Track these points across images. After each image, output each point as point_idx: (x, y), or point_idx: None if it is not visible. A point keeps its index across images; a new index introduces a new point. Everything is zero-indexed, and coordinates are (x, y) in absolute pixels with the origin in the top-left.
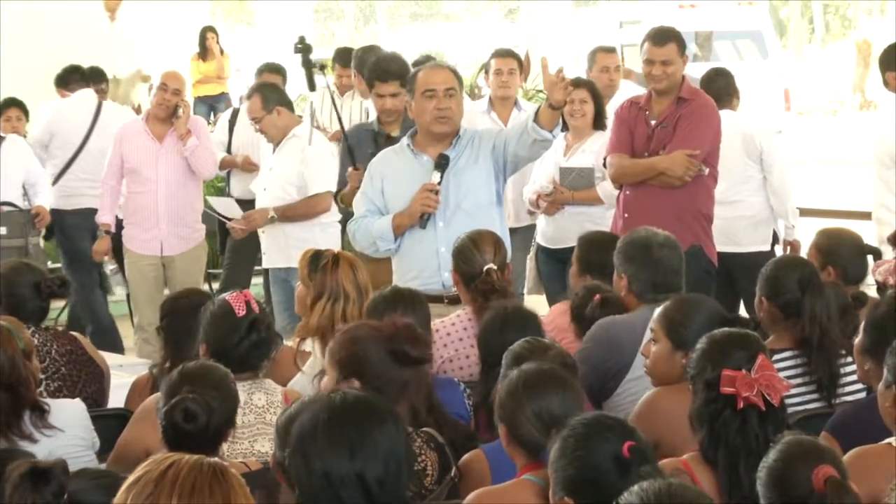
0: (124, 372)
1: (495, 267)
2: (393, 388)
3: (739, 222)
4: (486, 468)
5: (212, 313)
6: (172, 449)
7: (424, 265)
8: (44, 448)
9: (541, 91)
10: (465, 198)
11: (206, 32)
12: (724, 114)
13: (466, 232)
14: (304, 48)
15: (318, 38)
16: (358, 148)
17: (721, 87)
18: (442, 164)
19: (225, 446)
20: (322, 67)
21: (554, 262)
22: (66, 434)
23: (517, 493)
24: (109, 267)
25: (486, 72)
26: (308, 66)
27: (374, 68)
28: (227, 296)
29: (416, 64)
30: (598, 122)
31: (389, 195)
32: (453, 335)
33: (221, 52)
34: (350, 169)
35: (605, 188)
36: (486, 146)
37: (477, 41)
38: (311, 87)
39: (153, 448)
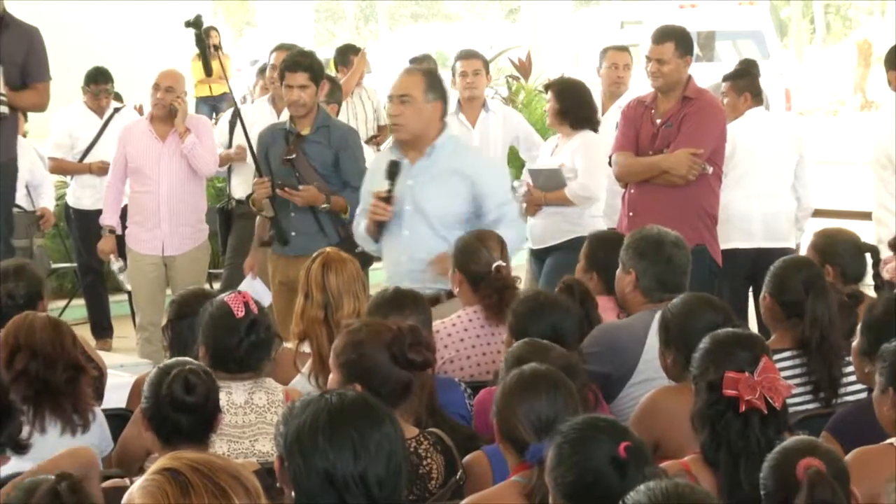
0: (125, 372)
1: (504, 263)
2: (395, 392)
3: (781, 217)
4: (487, 470)
5: (210, 315)
6: (164, 441)
7: (394, 271)
8: (54, 445)
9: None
10: (433, 211)
11: (209, 31)
12: (763, 110)
13: (469, 231)
14: (195, 23)
15: (318, 38)
16: (272, 147)
17: (759, 84)
18: (392, 171)
19: (225, 446)
20: (216, 48)
21: (537, 262)
22: (77, 438)
23: (505, 496)
24: (115, 265)
25: (453, 74)
26: (203, 47)
27: (287, 60)
28: (225, 297)
29: (412, 62)
30: (577, 122)
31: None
32: (454, 336)
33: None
34: (255, 178)
35: (573, 189)
36: (467, 181)
37: (478, 41)
38: (209, 71)
39: (154, 448)
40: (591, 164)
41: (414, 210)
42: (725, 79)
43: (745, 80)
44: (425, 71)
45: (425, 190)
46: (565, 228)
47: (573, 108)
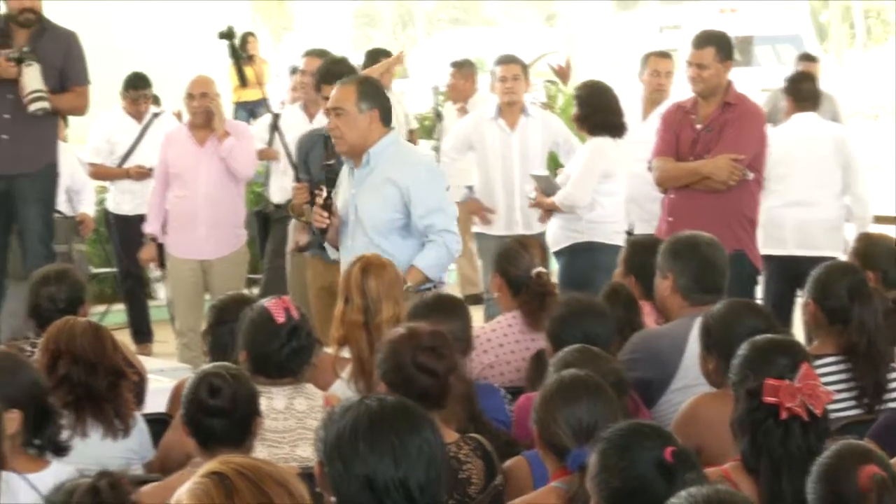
0: (165, 376)
1: (545, 269)
2: (412, 396)
3: (817, 226)
4: (528, 475)
5: (251, 320)
6: (202, 445)
7: None
8: (95, 450)
9: None
10: (367, 219)
11: (247, 37)
12: (812, 116)
13: (514, 237)
14: (228, 34)
15: (356, 43)
16: (312, 152)
17: (810, 89)
18: (329, 177)
19: (266, 451)
20: (251, 57)
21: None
22: (118, 443)
23: (545, 501)
24: (154, 274)
25: (493, 79)
26: (237, 57)
27: (321, 70)
28: (266, 302)
29: (453, 66)
30: (595, 128)
31: None
32: (494, 341)
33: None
34: (294, 183)
35: (559, 197)
36: (397, 188)
37: (516, 46)
38: (244, 81)
39: (195, 452)
40: (582, 172)
41: (355, 219)
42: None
43: (790, 84)
44: (360, 80)
45: (363, 198)
46: (566, 234)
47: (591, 113)
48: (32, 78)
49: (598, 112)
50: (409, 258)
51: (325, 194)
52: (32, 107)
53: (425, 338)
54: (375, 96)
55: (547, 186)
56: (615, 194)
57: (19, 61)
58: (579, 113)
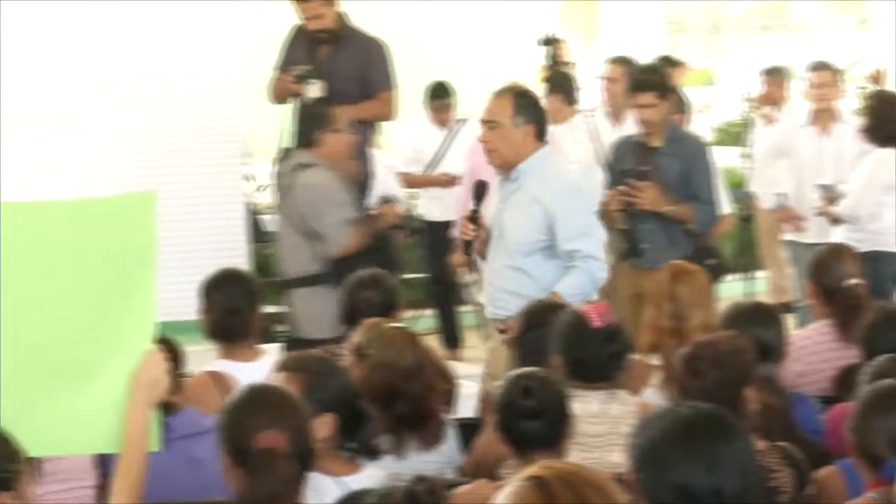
0: (472, 381)
1: (858, 281)
2: None
3: None
4: (841, 485)
5: (566, 324)
6: (516, 450)
7: (486, 293)
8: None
9: None
10: (511, 237)
11: (559, 44)
12: None
13: (827, 244)
14: (549, 41)
15: (668, 50)
16: (624, 159)
17: None
18: (478, 191)
19: (578, 455)
20: (566, 65)
21: None
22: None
23: None
24: (468, 279)
25: (804, 85)
26: (557, 64)
27: (634, 78)
28: (580, 307)
29: (765, 73)
30: (883, 139)
31: None
32: (807, 349)
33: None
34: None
35: (841, 207)
36: (543, 209)
37: (826, 52)
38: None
39: (507, 456)
40: (863, 184)
41: (499, 234)
42: None
43: None
44: (516, 93)
45: (508, 214)
46: (851, 244)
47: (878, 124)
48: (313, 95)
49: (885, 123)
50: (552, 279)
51: (472, 206)
52: None
53: (694, 348)
54: (532, 110)
55: (832, 195)
56: None
57: (301, 78)
58: (866, 123)
